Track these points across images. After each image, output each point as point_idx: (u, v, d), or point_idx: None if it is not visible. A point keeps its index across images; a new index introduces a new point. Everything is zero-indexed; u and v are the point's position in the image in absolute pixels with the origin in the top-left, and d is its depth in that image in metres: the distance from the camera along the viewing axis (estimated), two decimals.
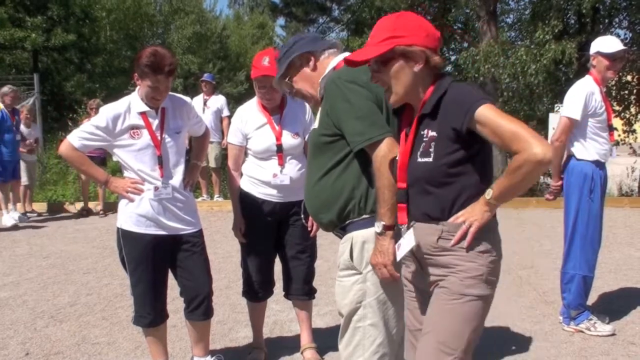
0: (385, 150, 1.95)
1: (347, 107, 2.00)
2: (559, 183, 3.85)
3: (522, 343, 3.64)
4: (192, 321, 3.03)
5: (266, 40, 30.24)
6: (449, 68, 20.65)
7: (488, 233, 1.85)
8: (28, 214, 8.43)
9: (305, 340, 3.38)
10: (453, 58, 19.73)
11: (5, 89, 7.93)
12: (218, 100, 8.64)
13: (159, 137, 2.86)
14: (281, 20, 23.26)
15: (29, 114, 8.70)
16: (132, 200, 2.84)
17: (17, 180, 8.19)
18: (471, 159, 1.82)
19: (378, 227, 1.98)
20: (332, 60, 2.23)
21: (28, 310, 4.42)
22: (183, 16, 24.86)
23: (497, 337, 3.75)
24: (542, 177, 13.58)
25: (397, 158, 1.93)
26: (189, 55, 22.76)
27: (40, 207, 9.05)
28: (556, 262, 4.95)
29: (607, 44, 3.67)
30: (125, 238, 2.87)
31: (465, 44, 16.60)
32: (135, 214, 2.84)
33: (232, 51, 27.39)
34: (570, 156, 3.76)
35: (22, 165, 8.29)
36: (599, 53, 3.68)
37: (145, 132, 2.84)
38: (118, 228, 2.91)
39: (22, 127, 8.48)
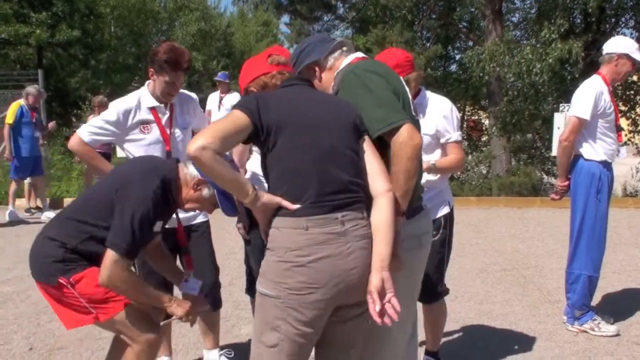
0: (405, 136, 1.93)
1: (368, 95, 2.00)
2: (566, 183, 3.82)
3: (526, 342, 3.63)
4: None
5: (270, 37, 30.20)
6: (453, 67, 20.62)
7: (274, 231, 1.85)
8: (32, 210, 8.45)
9: None
10: (458, 57, 19.71)
11: (31, 89, 7.95)
12: (233, 98, 8.83)
13: (168, 132, 2.87)
14: (286, 18, 23.09)
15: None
16: None
17: (40, 175, 8.24)
18: (266, 158, 1.90)
19: None
20: (343, 62, 2.22)
21: (32, 305, 4.43)
22: (187, 13, 24.87)
23: (500, 336, 3.75)
24: (546, 176, 13.63)
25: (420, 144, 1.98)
26: (193, 52, 22.72)
27: None
28: (560, 261, 4.93)
29: (638, 50, 3.59)
30: None
31: (471, 43, 16.58)
32: None
33: (237, 48, 27.41)
34: (578, 156, 3.73)
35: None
36: (628, 57, 3.60)
37: (155, 127, 2.86)
38: None
39: None
